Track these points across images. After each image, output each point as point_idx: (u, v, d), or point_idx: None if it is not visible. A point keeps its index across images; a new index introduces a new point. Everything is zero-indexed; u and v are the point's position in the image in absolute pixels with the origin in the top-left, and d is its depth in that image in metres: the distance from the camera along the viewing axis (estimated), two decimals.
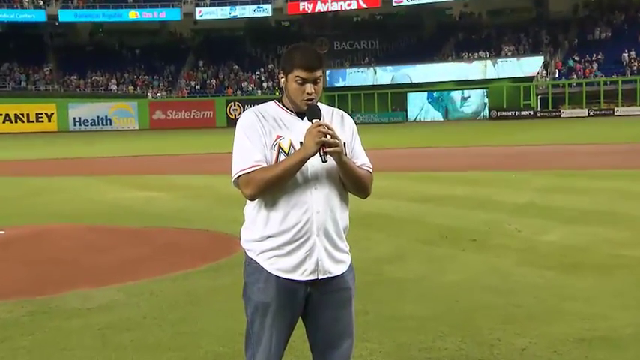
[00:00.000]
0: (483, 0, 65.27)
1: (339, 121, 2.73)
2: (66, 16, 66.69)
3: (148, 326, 4.87)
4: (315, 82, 2.62)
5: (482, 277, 6.00)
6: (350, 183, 2.67)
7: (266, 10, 67.90)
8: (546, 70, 58.08)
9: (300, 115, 2.65)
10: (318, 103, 2.67)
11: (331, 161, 2.61)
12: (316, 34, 67.57)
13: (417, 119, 60.56)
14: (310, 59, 2.60)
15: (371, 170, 2.75)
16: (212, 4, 68.54)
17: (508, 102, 57.39)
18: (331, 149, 2.52)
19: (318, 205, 2.61)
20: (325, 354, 2.70)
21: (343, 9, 67.01)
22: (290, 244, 2.61)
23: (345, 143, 2.63)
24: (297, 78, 2.60)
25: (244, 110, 2.91)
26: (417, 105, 61.34)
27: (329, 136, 2.52)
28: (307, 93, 2.60)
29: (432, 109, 61.00)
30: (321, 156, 2.53)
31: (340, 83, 63.04)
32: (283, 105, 2.70)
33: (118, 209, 10.88)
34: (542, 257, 6.70)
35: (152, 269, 6.63)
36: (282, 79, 2.67)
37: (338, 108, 2.84)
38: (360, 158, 2.70)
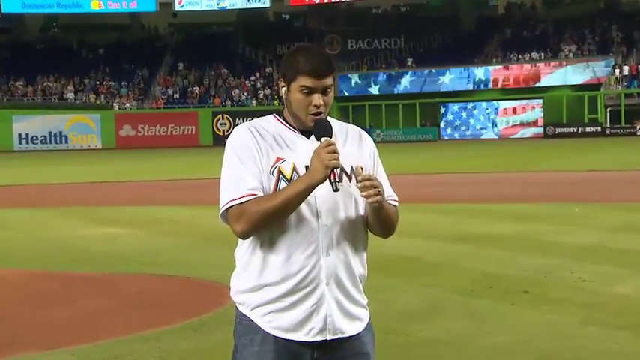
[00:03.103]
0: None
1: (355, 142, 2.75)
2: (11, 5, 67.35)
3: None
4: (324, 91, 2.63)
5: (538, 340, 5.95)
6: (379, 225, 2.69)
7: (263, 1, 68.54)
8: (617, 76, 58.19)
9: (306, 133, 2.67)
10: (329, 118, 2.68)
11: (345, 190, 2.61)
12: (326, 31, 68.07)
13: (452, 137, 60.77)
14: (318, 63, 2.62)
15: (397, 204, 2.76)
16: None
17: (569, 115, 57.46)
18: (373, 199, 2.54)
19: (328, 246, 2.61)
20: None
21: None
22: (292, 296, 2.61)
23: (362, 168, 2.64)
24: (302, 87, 2.62)
25: (236, 125, 2.94)
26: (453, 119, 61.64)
27: (358, 175, 2.54)
28: (314, 105, 2.62)
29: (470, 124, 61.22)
30: (331, 183, 2.53)
31: (355, 92, 63.32)
32: (284, 120, 2.72)
33: (75, 250, 10.88)
34: (615, 315, 6.65)
35: (117, 327, 6.61)
36: (283, 89, 2.69)
37: (354, 124, 2.85)
38: (384, 189, 2.71)
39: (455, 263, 9.12)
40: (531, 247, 10.09)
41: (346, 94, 62.68)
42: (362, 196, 2.56)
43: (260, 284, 2.63)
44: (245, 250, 2.68)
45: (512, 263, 9.02)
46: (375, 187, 2.56)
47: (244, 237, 2.63)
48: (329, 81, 2.63)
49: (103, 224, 13.64)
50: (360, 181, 2.56)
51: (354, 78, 64.22)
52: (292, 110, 2.67)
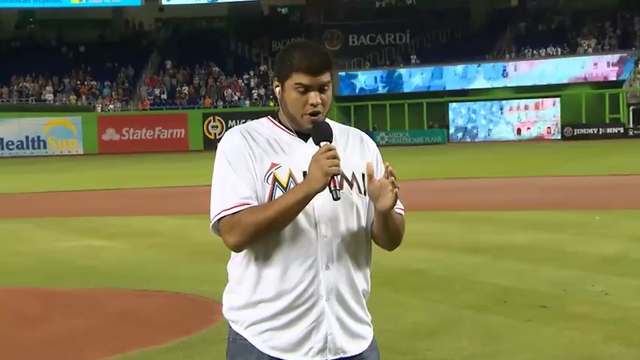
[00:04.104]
0: None
1: (357, 147, 2.75)
2: None
3: None
4: (321, 89, 2.64)
5: (557, 359, 5.93)
6: (385, 235, 2.69)
7: None
8: None
9: (303, 135, 2.67)
10: (329, 121, 2.68)
11: (346, 198, 2.61)
12: (325, 25, 68.17)
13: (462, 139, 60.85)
14: (314, 59, 2.63)
15: (403, 212, 2.76)
16: None
17: (588, 115, 57.49)
18: (395, 190, 2.56)
19: (328, 259, 2.61)
20: None
21: None
22: (289, 313, 2.61)
23: (364, 175, 2.64)
24: (297, 85, 2.62)
25: (228, 128, 2.94)
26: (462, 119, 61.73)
27: (388, 167, 2.57)
28: (311, 104, 2.62)
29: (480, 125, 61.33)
30: (331, 191, 2.53)
31: (357, 91, 63.37)
32: (280, 122, 2.72)
33: (54, 264, 10.87)
34: None
35: (99, 347, 6.60)
36: (278, 89, 2.69)
37: (355, 127, 2.86)
38: None
39: (467, 276, 9.10)
40: (549, 258, 10.08)
41: (347, 93, 62.66)
42: (388, 180, 2.56)
43: (255, 301, 2.63)
44: (238, 263, 2.67)
45: (528, 276, 9.00)
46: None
47: (237, 249, 2.63)
48: (326, 78, 2.63)
49: (85, 236, 13.63)
50: (386, 166, 2.60)
51: (356, 76, 64.22)
52: (288, 111, 2.67)
